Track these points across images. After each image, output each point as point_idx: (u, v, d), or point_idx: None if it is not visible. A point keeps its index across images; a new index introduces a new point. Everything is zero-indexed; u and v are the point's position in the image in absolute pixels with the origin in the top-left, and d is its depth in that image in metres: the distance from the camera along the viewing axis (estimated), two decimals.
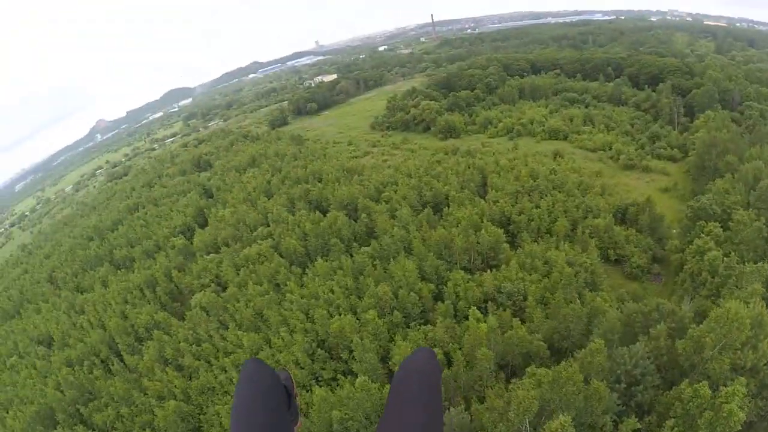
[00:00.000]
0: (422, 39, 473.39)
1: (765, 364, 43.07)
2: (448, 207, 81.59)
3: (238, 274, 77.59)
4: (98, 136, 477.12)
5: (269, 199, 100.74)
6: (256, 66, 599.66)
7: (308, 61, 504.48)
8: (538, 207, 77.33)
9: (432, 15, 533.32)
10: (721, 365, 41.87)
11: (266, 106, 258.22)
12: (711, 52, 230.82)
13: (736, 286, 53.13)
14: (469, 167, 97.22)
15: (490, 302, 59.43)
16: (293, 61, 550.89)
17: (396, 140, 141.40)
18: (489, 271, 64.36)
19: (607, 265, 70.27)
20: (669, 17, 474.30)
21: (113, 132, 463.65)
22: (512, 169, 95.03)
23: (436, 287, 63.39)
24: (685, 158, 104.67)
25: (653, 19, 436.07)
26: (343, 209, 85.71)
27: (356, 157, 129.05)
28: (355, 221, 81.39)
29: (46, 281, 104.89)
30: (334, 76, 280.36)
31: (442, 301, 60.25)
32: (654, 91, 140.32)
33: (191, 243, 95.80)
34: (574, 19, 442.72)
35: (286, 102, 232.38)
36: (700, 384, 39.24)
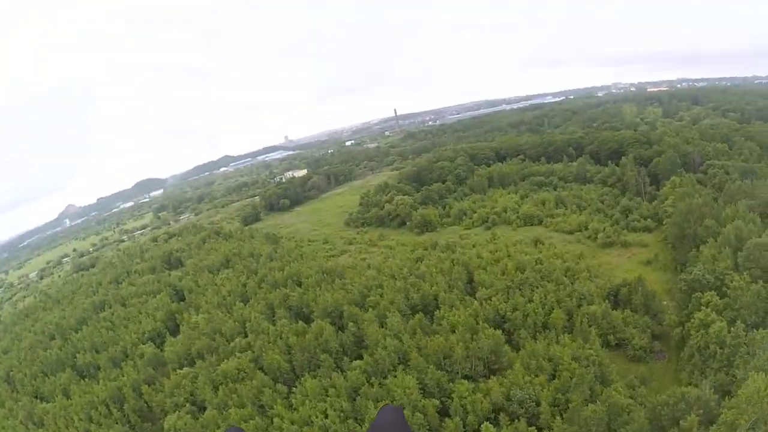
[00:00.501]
0: (387, 133, 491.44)
1: None
2: (439, 309, 77.84)
3: (216, 393, 70.78)
4: (67, 221, 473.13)
5: (245, 304, 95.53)
6: (227, 160, 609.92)
7: (278, 156, 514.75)
8: (531, 301, 74.96)
9: (395, 110, 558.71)
10: None
11: (238, 200, 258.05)
12: (659, 117, 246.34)
13: (749, 354, 51.86)
14: (453, 263, 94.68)
15: (501, 413, 54.90)
16: (264, 156, 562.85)
17: (372, 237, 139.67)
18: (492, 377, 60.45)
19: (609, 350, 67.49)
20: (614, 90, 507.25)
21: (82, 218, 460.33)
22: (497, 262, 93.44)
23: (440, 401, 58.51)
24: (659, 227, 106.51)
25: (600, 94, 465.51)
26: (327, 317, 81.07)
27: (333, 256, 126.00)
28: (342, 331, 76.46)
29: (3, 380, 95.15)
30: (305, 171, 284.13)
31: (449, 417, 55.32)
32: (617, 165, 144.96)
33: (162, 352, 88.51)
34: (527, 104, 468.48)
35: (257, 197, 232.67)
36: None
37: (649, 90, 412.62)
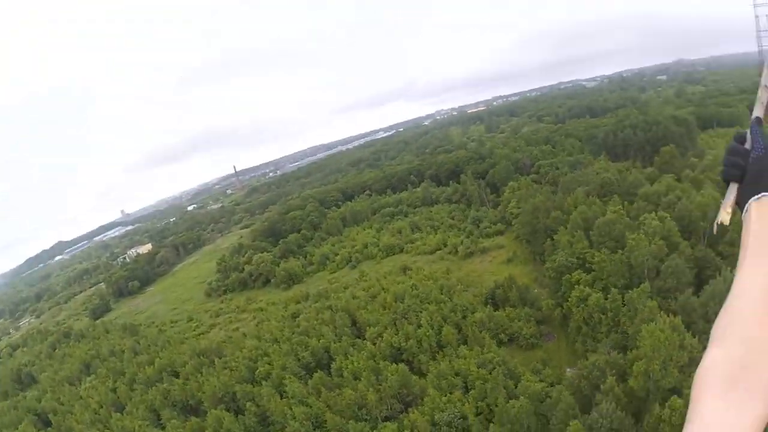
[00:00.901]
0: (229, 191, 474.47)
1: (698, 352, 48.26)
2: (335, 361, 74.69)
3: None
4: None
5: (123, 413, 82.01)
6: (61, 246, 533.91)
7: (117, 233, 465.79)
8: (420, 326, 75.83)
9: (234, 166, 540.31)
10: (672, 375, 47.23)
11: (81, 291, 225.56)
12: (483, 133, 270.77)
13: (631, 312, 58.97)
14: (332, 310, 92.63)
15: None
16: (101, 236, 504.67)
17: (239, 302, 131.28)
18: (410, 409, 59.45)
19: (504, 347, 71.34)
20: (438, 117, 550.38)
21: None
22: (374, 298, 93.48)
23: None
24: (509, 228, 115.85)
25: (426, 123, 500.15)
26: (220, 404, 72.78)
27: (203, 334, 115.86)
28: (242, 414, 69.00)
29: None
30: (149, 245, 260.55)
31: None
32: (458, 182, 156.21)
33: None
34: (362, 141, 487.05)
35: (103, 284, 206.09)
36: (672, 399, 44.58)
37: (469, 111, 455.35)
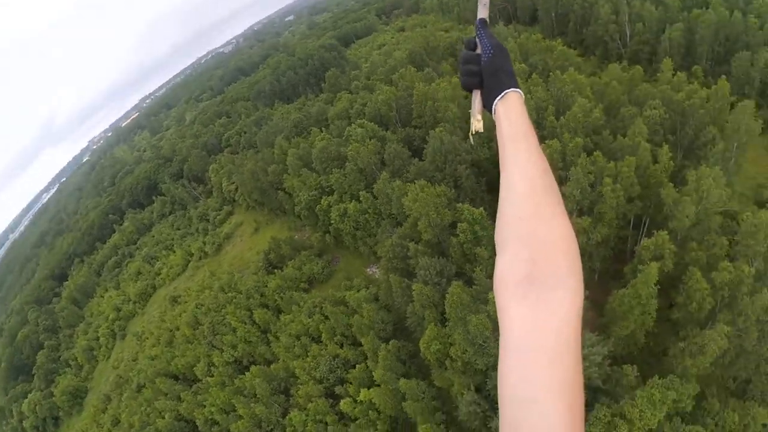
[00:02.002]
0: None
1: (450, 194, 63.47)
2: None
3: None
4: None
5: None
6: None
7: None
8: (235, 330, 76.94)
9: None
10: (446, 216, 58.87)
11: None
12: (150, 139, 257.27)
13: (384, 198, 70.66)
14: (144, 386, 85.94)
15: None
16: None
17: None
18: (291, 391, 63.90)
19: (312, 290, 79.56)
20: (94, 146, 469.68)
21: None
22: (170, 344, 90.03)
23: None
24: (235, 204, 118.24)
25: (86, 158, 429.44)
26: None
27: None
28: None
29: None
30: None
31: None
32: (161, 194, 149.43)
33: None
34: (30, 216, 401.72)
35: None
36: (459, 226, 55.51)
37: (124, 125, 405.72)
